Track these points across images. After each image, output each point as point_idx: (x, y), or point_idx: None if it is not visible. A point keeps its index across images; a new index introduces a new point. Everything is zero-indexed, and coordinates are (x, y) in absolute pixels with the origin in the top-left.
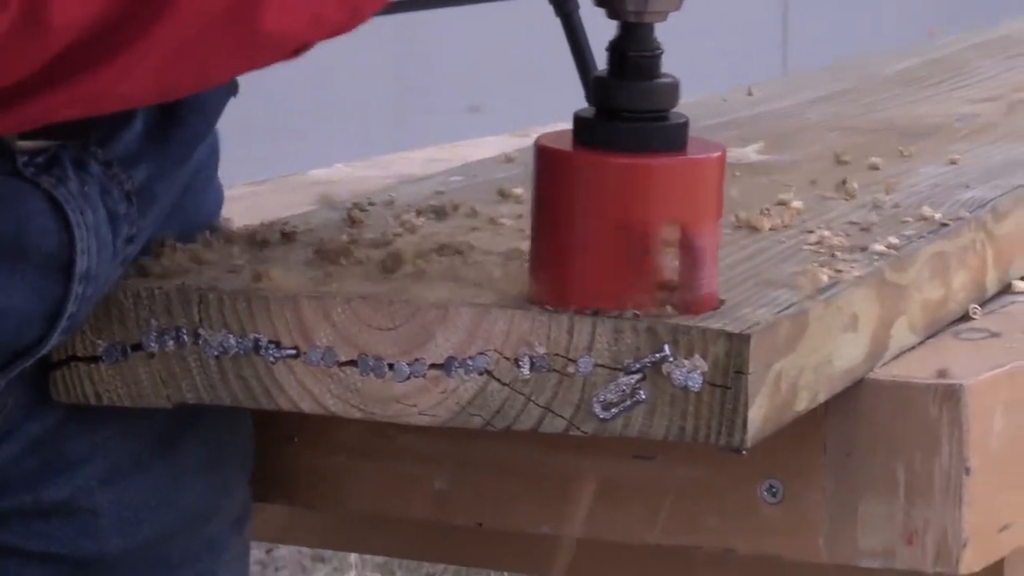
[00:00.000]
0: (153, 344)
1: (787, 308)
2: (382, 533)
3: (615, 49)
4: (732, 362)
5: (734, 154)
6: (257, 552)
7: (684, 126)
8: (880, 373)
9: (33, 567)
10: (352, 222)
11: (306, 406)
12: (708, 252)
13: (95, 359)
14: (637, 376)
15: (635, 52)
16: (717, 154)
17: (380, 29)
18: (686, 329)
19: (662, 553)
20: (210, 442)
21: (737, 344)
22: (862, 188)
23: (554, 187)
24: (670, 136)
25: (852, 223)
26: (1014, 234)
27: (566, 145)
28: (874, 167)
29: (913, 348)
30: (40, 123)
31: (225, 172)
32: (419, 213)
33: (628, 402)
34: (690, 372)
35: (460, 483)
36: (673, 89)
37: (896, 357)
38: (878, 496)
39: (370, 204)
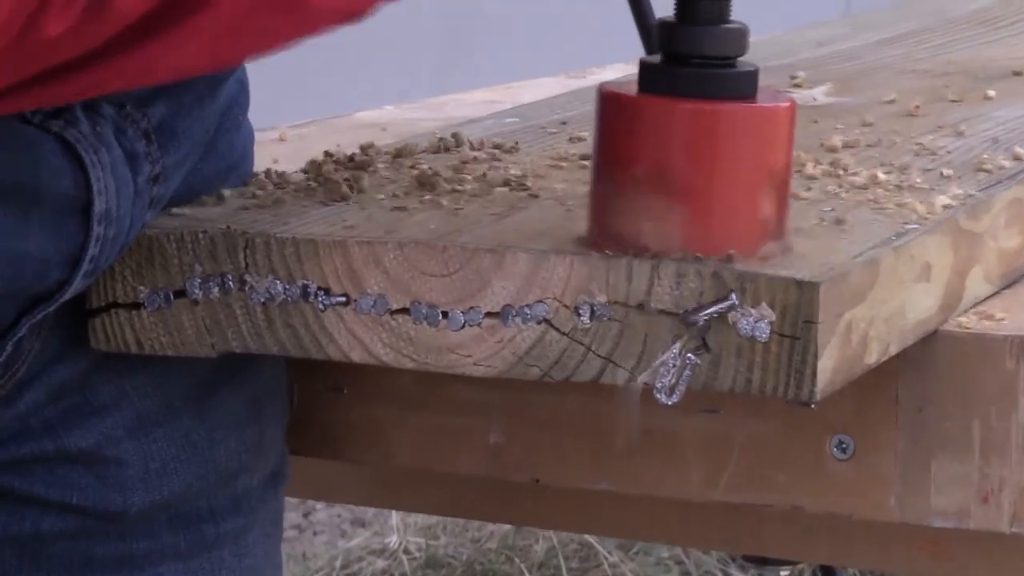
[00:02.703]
0: (197, 291)
1: (858, 256)
2: (427, 490)
3: None
4: (801, 311)
5: (800, 96)
6: (294, 516)
7: (754, 74)
8: (954, 325)
9: (52, 518)
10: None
11: (356, 356)
12: (776, 201)
13: (136, 306)
14: (679, 342)
15: None
16: (786, 104)
17: None
18: (753, 276)
19: (728, 511)
20: (247, 396)
21: (807, 292)
22: (935, 132)
23: (618, 133)
24: (739, 83)
25: (924, 169)
26: None
27: (631, 91)
28: (946, 111)
29: (988, 299)
30: (90, 95)
31: (270, 114)
32: (472, 151)
33: (687, 372)
34: (757, 321)
35: (515, 437)
36: (742, 35)
37: (971, 308)
38: (952, 453)
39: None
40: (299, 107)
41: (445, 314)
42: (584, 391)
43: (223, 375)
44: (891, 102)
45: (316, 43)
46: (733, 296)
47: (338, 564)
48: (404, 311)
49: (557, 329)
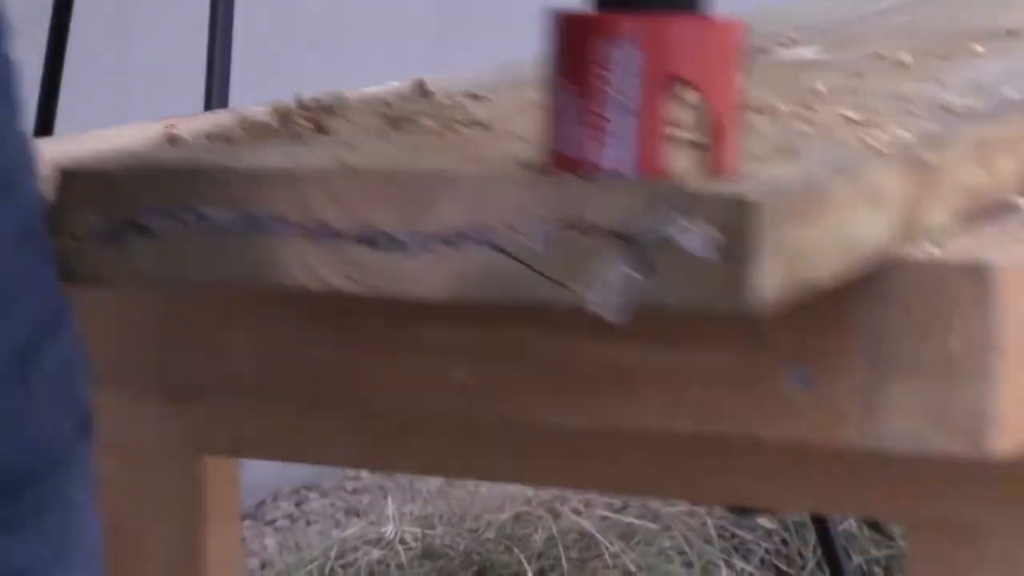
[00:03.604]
0: (153, 223)
1: (805, 178)
2: (406, 448)
3: None
4: (745, 230)
5: (789, 54)
6: (286, 506)
7: None
8: (911, 254)
9: None
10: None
11: (311, 283)
12: (724, 118)
13: (91, 239)
14: (624, 262)
15: None
16: (737, 23)
17: None
18: (695, 194)
19: (695, 458)
20: (62, 360)
21: (749, 210)
22: (916, 81)
23: (568, 51)
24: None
25: (894, 110)
26: None
27: (583, 10)
28: (934, 66)
29: (948, 234)
30: None
31: (267, 93)
32: (443, 100)
33: (633, 291)
34: (701, 240)
35: (482, 375)
36: None
37: (930, 241)
38: (910, 380)
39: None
40: (291, 87)
41: (396, 240)
42: (549, 326)
43: (41, 341)
44: (878, 58)
45: (310, 22)
46: (675, 213)
47: (333, 554)
48: (355, 238)
49: (507, 253)
